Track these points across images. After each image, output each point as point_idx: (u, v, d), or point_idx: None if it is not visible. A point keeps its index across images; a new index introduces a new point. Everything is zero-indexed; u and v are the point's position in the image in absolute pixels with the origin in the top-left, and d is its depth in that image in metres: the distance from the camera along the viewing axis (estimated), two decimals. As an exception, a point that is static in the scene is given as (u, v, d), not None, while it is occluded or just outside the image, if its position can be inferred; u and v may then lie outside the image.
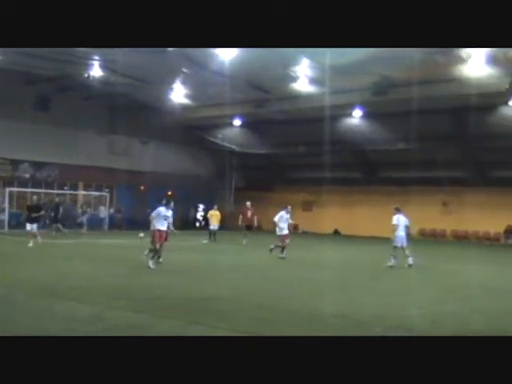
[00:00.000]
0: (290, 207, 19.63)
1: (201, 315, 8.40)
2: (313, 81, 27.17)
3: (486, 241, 34.55)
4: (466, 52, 21.94)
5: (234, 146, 38.68)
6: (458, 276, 15.41)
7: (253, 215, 24.64)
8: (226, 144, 38.55)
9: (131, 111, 32.05)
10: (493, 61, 22.34)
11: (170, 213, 15.09)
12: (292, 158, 40.21)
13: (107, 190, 35.65)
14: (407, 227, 17.23)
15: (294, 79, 27.30)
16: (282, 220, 18.70)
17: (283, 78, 27.31)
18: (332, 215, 38.38)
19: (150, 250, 14.97)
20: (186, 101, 32.84)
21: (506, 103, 27.76)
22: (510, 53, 21.19)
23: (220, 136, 38.89)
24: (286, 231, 18.74)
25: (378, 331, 7.70)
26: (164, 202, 15.42)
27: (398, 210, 17.39)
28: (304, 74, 26.48)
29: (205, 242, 23.88)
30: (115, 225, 34.14)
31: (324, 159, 33.13)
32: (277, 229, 18.73)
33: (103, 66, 26.95)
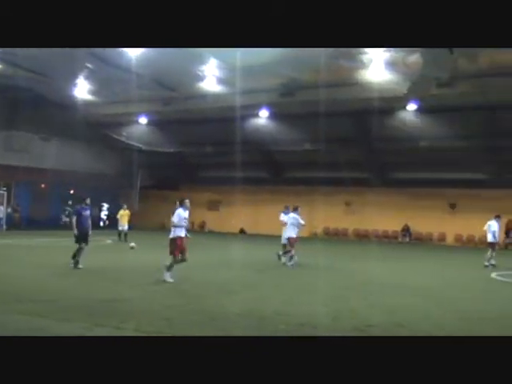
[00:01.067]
0: (298, 208, 17.48)
1: (106, 317, 8.13)
2: (220, 81, 27.22)
3: (385, 239, 36.18)
4: (367, 57, 22.81)
5: (140, 145, 37.93)
6: (359, 273, 15.96)
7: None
8: (131, 142, 37.72)
9: (31, 106, 30.53)
10: (392, 66, 23.35)
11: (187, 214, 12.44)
12: (199, 157, 40.12)
13: (4, 189, 33.84)
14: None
15: (202, 78, 27.22)
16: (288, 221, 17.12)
17: (190, 77, 27.16)
18: (238, 214, 38.64)
19: (171, 264, 12.42)
20: (90, 97, 31.83)
21: (404, 108, 29.12)
22: (408, 58, 22.21)
23: (125, 134, 38.03)
24: (287, 234, 17.10)
25: (281, 328, 7.84)
26: (178, 202, 12.55)
27: (287, 209, 17.99)
28: (212, 73, 26.48)
29: (109, 241, 23.26)
30: (13, 224, 32.48)
31: (231, 159, 33.34)
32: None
33: (0, 58, 25.52)
